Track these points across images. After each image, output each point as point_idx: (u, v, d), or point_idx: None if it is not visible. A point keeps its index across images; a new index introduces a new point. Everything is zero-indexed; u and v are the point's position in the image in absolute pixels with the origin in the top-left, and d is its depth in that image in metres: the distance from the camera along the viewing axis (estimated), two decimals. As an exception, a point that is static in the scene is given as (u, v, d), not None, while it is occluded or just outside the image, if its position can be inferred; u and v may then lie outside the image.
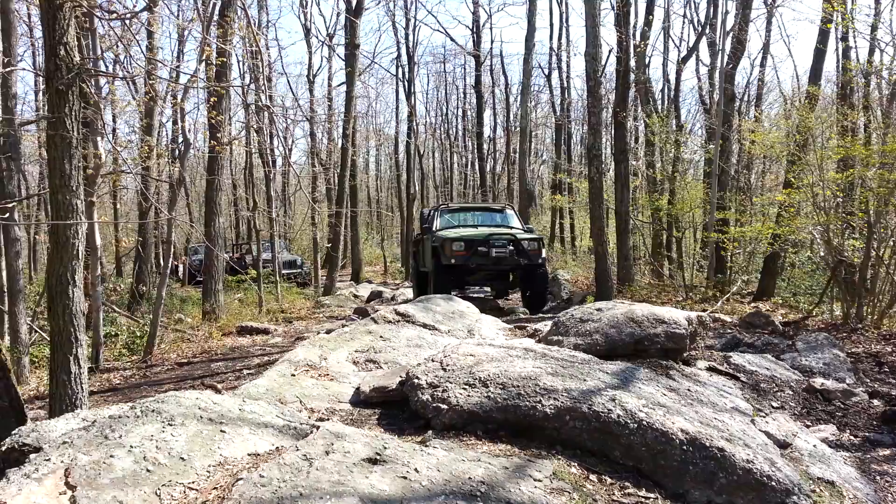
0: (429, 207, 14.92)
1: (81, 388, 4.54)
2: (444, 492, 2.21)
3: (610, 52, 20.11)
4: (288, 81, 27.41)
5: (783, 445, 3.78)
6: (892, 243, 9.04)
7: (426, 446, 2.79)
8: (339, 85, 24.44)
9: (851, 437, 4.51)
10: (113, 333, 9.54)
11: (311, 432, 2.67)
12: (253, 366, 7.59)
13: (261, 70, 16.13)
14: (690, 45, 23.05)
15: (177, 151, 17.64)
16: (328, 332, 7.22)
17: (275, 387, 4.29)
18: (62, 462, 2.16)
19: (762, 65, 21.92)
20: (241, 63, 18.59)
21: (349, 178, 18.73)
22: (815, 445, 3.99)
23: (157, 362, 8.27)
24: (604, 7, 19.41)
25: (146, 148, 8.86)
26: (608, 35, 32.25)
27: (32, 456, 2.28)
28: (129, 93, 13.82)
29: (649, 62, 21.06)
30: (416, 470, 2.33)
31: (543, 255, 11.38)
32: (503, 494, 2.30)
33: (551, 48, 29.67)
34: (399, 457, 2.42)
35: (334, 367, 4.99)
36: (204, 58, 7.46)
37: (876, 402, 5.17)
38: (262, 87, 15.46)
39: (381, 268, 29.47)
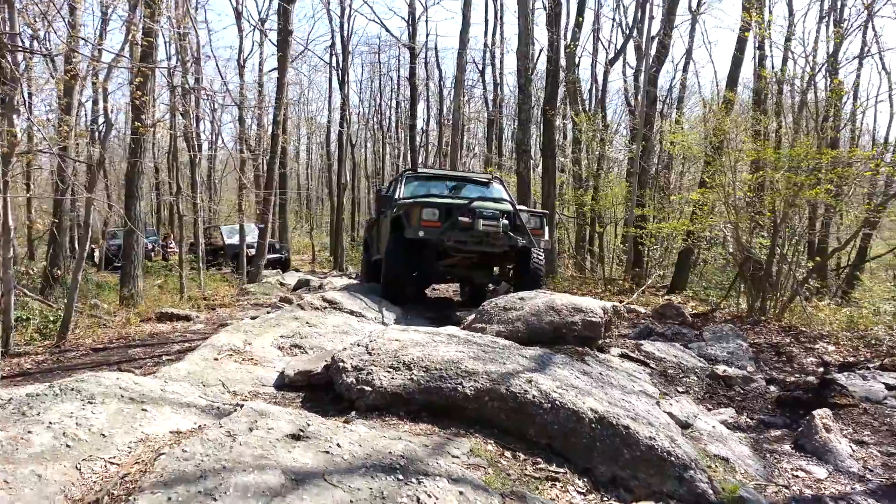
0: (386, 183, 11.69)
1: (-9, 371, 4.38)
2: (366, 465, 2.31)
3: (541, 51, 20.55)
4: (217, 65, 26.74)
5: (685, 426, 4.07)
6: (794, 242, 9.70)
7: (349, 424, 2.88)
8: (270, 70, 23.93)
9: (748, 420, 4.87)
10: (24, 318, 9.10)
11: (235, 411, 2.71)
12: (173, 352, 7.42)
13: (189, 52, 15.64)
14: (618, 47, 23.82)
15: (96, 132, 16.91)
16: (253, 318, 7.17)
17: (197, 370, 4.27)
18: (-24, 438, 2.14)
19: (685, 69, 22.87)
20: (167, 44, 17.98)
21: (279, 165, 18.41)
22: (714, 426, 4.30)
23: (71, 347, 7.97)
24: (536, 6, 19.83)
25: (65, 128, 8.49)
26: (540, 34, 32.85)
27: (-56, 433, 2.23)
28: (48, 70, 13.15)
29: (579, 62, 21.65)
30: (338, 445, 2.42)
31: (546, 237, 8.28)
32: (422, 468, 2.41)
33: (485, 44, 30.03)
34: (322, 433, 2.50)
35: (259, 353, 4.98)
36: (130, 38, 7.20)
37: (772, 388, 5.58)
38: (190, 69, 15.00)
39: (310, 256, 29.14)
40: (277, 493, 1.99)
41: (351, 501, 2.04)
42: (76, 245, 18.90)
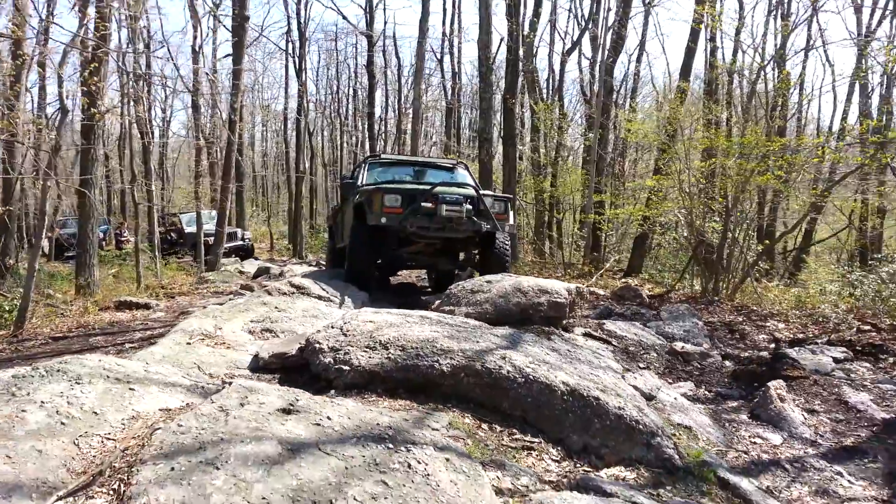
0: (349, 170, 11.52)
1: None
2: (356, 436, 2.40)
3: (501, 41, 20.67)
4: (168, 50, 25.98)
5: (649, 398, 4.27)
6: (745, 226, 10.09)
7: (334, 400, 2.96)
8: (224, 57, 23.54)
9: (706, 392, 5.12)
10: (-23, 308, 8.87)
11: (222, 389, 2.76)
12: (135, 340, 7.32)
13: (141, 37, 15.27)
14: (575, 38, 24.12)
15: (44, 118, 16.39)
16: (221, 304, 7.14)
17: (171, 354, 4.27)
18: (-29, 417, 2.16)
19: (638, 60, 23.35)
20: (118, 29, 17.49)
21: (235, 153, 18.13)
22: (675, 398, 4.52)
23: (29, 337, 7.80)
24: (495, -4, 19.94)
25: (16, 114, 8.25)
26: (498, 23, 33.04)
27: (-67, 414, 2.24)
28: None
29: (536, 52, 21.83)
30: (328, 418, 2.50)
31: (512, 221, 8.26)
32: (409, 437, 2.52)
33: (444, 33, 29.95)
34: (311, 407, 2.58)
35: (230, 337, 5.00)
36: (85, 22, 7.03)
37: (728, 363, 5.87)
38: (142, 55, 14.67)
39: (268, 244, 28.84)
40: (276, 462, 2.07)
41: (346, 468, 2.14)
42: (24, 234, 18.30)
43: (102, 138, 21.37)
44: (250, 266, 17.18)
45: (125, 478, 1.95)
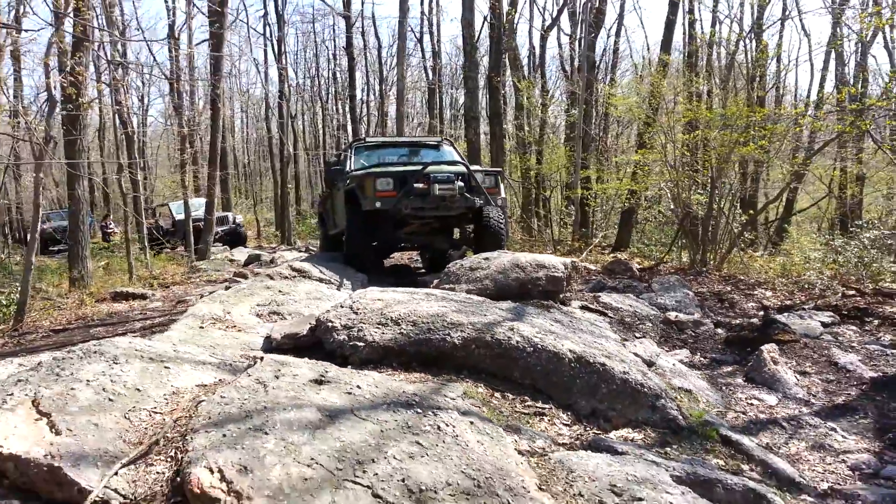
0: (336, 153, 11.44)
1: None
2: (386, 402, 2.56)
3: (484, 19, 20.67)
4: (144, 37, 25.60)
5: (649, 364, 4.45)
6: (730, 198, 10.31)
7: (359, 371, 3.11)
8: (199, 43, 23.36)
9: (702, 359, 5.34)
10: (-27, 304, 8.89)
11: (253, 365, 2.90)
12: (136, 329, 7.38)
13: (116, 23, 15.11)
14: (553, 14, 24.15)
15: (22, 108, 16.20)
16: (226, 289, 7.23)
17: (186, 338, 4.38)
18: (26, 395, 2.27)
19: (617, 34, 23.42)
20: (96, 17, 17.26)
21: (220, 139, 18.04)
22: (674, 364, 4.72)
23: (29, 330, 7.84)
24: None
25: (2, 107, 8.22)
26: (480, 1, 32.81)
27: (-11, 395, 2.35)
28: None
29: (516, 29, 21.84)
30: (358, 387, 2.65)
31: (503, 195, 8.30)
32: (434, 403, 2.68)
33: (422, 12, 29.82)
34: (341, 378, 2.73)
35: (240, 320, 5.12)
36: (67, 11, 7.01)
37: (720, 330, 6.08)
38: (122, 43, 14.53)
39: (255, 232, 28.74)
40: (318, 427, 2.22)
41: (381, 431, 2.29)
42: (8, 229, 18.13)
43: (85, 128, 21.19)
44: (240, 254, 17.17)
45: (180, 445, 2.09)
